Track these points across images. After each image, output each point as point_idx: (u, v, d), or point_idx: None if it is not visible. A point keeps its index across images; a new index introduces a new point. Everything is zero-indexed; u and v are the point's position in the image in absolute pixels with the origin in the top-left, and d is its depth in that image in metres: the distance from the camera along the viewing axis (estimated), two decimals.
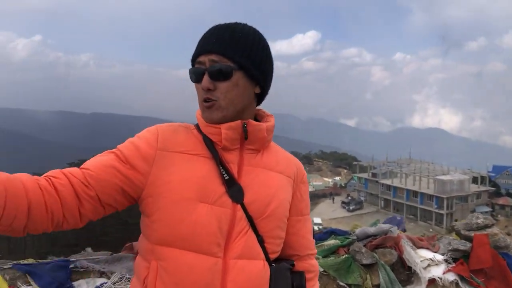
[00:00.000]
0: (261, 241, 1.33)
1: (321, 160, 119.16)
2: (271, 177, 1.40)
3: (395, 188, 67.20)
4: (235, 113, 1.34)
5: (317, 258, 4.09)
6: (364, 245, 3.82)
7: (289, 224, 1.46)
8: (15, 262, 3.75)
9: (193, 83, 1.36)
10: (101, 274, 3.78)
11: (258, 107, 1.49)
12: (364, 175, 76.17)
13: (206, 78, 1.29)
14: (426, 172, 66.70)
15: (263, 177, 1.37)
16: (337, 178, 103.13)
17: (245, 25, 1.38)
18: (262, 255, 1.34)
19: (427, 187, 63.78)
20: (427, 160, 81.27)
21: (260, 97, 1.45)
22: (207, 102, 1.32)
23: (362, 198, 74.20)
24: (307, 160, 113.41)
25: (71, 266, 3.73)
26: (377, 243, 3.81)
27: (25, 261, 3.80)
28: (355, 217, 59.19)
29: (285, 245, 1.47)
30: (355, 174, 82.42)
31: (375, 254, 3.69)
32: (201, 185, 1.28)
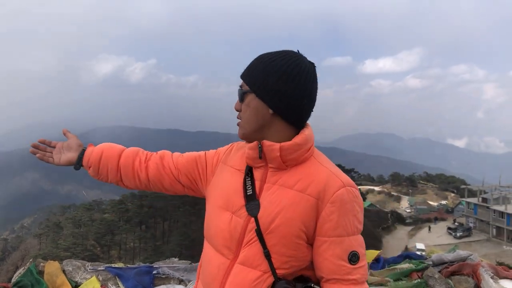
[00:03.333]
0: (267, 255, 1.42)
1: (426, 183, 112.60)
2: (284, 194, 1.45)
3: (510, 215, 61.21)
4: (252, 131, 1.52)
5: (387, 282, 4.02)
6: (439, 271, 3.69)
7: (315, 244, 1.46)
8: (107, 265, 4.19)
9: None
10: (180, 281, 4.09)
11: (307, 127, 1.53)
12: (474, 200, 70.26)
13: (237, 101, 1.57)
14: None
15: (276, 194, 1.46)
16: (443, 202, 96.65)
17: (278, 52, 1.49)
18: (264, 267, 1.43)
19: None
20: None
21: (288, 118, 1.48)
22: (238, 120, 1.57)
23: (471, 225, 68.52)
24: (410, 182, 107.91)
25: (154, 272, 4.08)
26: (453, 269, 3.65)
27: (116, 265, 4.23)
28: (462, 245, 54.88)
29: (314, 266, 1.50)
30: (464, 199, 76.39)
31: (450, 281, 3.54)
32: (229, 196, 1.54)
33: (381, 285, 3.85)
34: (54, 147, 1.84)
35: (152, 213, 69.84)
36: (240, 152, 1.63)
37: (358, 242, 1.46)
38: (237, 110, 1.56)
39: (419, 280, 3.60)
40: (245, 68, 1.56)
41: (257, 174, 1.52)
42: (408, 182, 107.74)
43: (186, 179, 1.74)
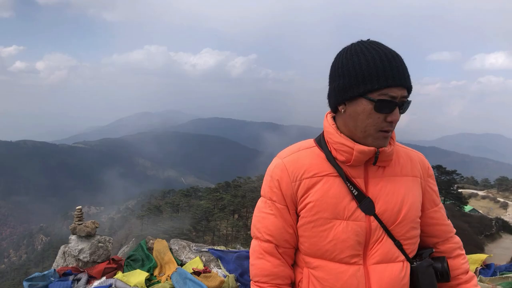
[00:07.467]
0: (398, 245, 1.47)
1: None
2: (398, 183, 1.49)
3: None
4: None
5: None
6: None
7: (428, 216, 1.60)
8: (210, 247, 4.40)
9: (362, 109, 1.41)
10: None
11: None
12: None
13: (397, 112, 1.39)
14: None
15: (390, 186, 1.48)
16: None
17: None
18: (401, 257, 1.48)
19: None
20: None
21: None
22: (386, 132, 1.42)
23: None
24: None
25: None
26: None
27: (218, 248, 4.43)
28: None
29: (429, 236, 1.62)
30: None
31: None
32: (334, 204, 1.45)
33: None
34: None
35: (244, 203, 71.59)
36: (308, 159, 1.52)
37: None
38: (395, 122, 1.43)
39: None
40: (401, 71, 1.38)
41: (354, 171, 1.48)
42: None
43: (294, 243, 1.58)
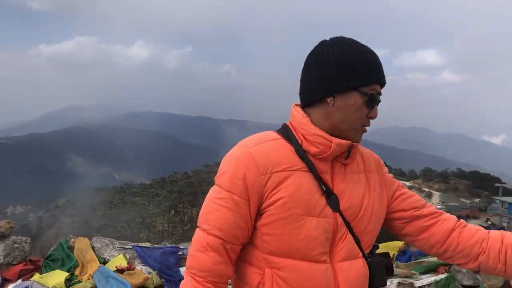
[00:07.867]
0: (357, 242, 1.44)
1: (458, 180, 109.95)
2: (358, 180, 1.48)
3: None
4: None
5: (413, 275, 3.95)
6: None
7: (398, 195, 1.58)
8: (134, 244, 4.29)
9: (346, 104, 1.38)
10: None
11: None
12: (509, 199, 68.42)
13: (377, 109, 1.42)
14: None
15: (353, 184, 1.46)
16: (476, 200, 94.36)
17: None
18: (361, 254, 1.46)
19: None
20: None
21: None
22: (364, 128, 1.45)
23: (504, 224, 66.44)
24: (442, 178, 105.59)
25: (180, 253, 4.16)
26: None
27: (143, 244, 4.33)
28: None
29: (409, 209, 1.58)
30: (498, 197, 74.50)
31: (478, 276, 3.46)
32: (306, 199, 1.36)
33: (407, 277, 3.80)
34: None
35: (181, 198, 70.96)
36: (276, 151, 1.41)
37: None
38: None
39: (447, 274, 3.52)
40: (382, 69, 1.43)
41: (323, 167, 1.42)
42: (440, 178, 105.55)
43: (244, 239, 1.44)
